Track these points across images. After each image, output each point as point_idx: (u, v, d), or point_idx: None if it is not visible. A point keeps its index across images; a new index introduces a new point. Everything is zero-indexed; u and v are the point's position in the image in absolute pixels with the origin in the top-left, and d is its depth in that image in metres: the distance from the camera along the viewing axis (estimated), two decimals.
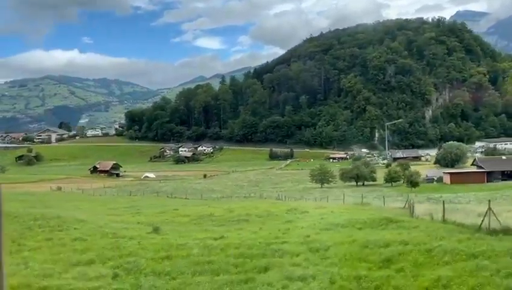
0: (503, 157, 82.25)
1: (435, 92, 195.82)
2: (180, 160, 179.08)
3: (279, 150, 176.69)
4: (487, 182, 71.59)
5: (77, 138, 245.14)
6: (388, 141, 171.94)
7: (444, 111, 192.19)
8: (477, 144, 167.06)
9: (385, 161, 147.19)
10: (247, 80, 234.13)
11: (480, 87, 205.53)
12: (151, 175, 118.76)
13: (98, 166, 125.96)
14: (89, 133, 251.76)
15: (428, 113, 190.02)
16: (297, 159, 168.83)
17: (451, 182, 71.59)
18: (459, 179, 71.94)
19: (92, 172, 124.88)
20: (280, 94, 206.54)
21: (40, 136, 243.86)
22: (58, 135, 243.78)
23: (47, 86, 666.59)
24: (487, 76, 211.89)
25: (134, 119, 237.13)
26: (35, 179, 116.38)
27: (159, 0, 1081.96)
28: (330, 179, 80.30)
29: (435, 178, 76.50)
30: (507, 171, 72.37)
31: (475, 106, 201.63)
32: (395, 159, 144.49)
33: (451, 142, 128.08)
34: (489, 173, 72.42)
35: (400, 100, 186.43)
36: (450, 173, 74.52)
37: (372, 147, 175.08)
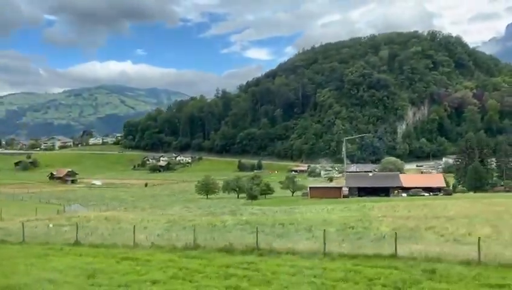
0: (370, 174, 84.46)
1: (410, 106, 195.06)
2: (155, 169, 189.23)
3: (247, 161, 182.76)
4: (344, 197, 75.00)
5: (79, 145, 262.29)
6: (353, 155, 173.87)
7: (418, 126, 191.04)
8: (444, 159, 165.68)
9: (340, 175, 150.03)
10: (239, 93, 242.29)
11: (464, 102, 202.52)
12: (98, 182, 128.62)
13: (54, 173, 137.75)
14: (91, 141, 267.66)
15: (401, 128, 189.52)
16: (262, 171, 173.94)
17: (311, 196, 75.63)
18: (318, 193, 75.73)
19: (50, 178, 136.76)
20: (261, 107, 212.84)
21: (46, 143, 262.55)
22: (62, 142, 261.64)
23: (100, 95, 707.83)
24: (474, 91, 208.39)
25: (130, 129, 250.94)
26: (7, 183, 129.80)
27: (208, 12, 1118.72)
28: (215, 190, 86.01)
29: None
30: (365, 187, 75.41)
31: (457, 121, 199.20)
32: (347, 172, 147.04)
33: (389, 157, 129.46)
34: (349, 189, 75.82)
35: (372, 115, 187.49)
36: (310, 187, 78.39)
37: (339, 161, 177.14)
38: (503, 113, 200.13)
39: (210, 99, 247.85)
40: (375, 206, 52.71)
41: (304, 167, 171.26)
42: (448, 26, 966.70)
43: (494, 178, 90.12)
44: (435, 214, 36.79)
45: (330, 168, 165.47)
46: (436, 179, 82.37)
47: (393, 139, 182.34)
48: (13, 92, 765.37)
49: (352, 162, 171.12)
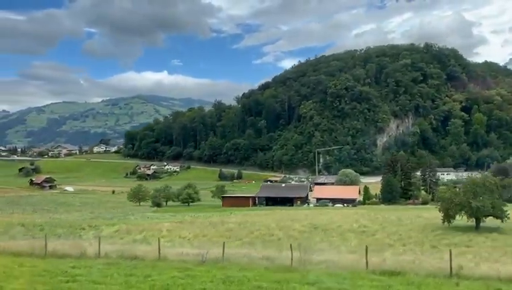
0: (283, 185, 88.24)
1: (393, 119, 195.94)
2: (142, 177, 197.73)
3: (229, 171, 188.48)
4: (253, 205, 79.76)
5: (84, 153, 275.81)
6: (329, 166, 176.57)
7: (399, 139, 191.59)
8: (418, 173, 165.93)
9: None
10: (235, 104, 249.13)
11: (450, 115, 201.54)
12: (70, 189, 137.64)
13: (34, 179, 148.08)
14: (95, 149, 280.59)
15: (382, 140, 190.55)
16: (238, 181, 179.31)
17: (223, 205, 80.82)
18: (229, 202, 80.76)
19: (30, 184, 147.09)
20: (249, 118, 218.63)
21: (53, 151, 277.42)
22: (67, 150, 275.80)
23: (136, 105, 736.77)
24: (462, 104, 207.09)
25: (131, 138, 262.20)
26: None
27: (242, 23, 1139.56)
28: (147, 198, 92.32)
29: None
30: (272, 197, 79.84)
31: (443, 135, 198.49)
32: (316, 184, 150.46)
33: (345, 170, 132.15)
34: (256, 198, 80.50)
35: (352, 127, 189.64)
36: (223, 197, 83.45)
37: (316, 172, 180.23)
38: (491, 126, 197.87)
39: (207, 110, 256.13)
40: (235, 214, 57.65)
41: (279, 177, 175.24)
42: (488, 35, 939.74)
43: (415, 192, 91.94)
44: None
45: (304, 179, 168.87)
46: (351, 191, 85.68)
47: (372, 151, 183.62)
48: (55, 101, 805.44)
49: (329, 173, 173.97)
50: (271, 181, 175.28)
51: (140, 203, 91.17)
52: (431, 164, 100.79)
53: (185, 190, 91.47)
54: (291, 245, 17.30)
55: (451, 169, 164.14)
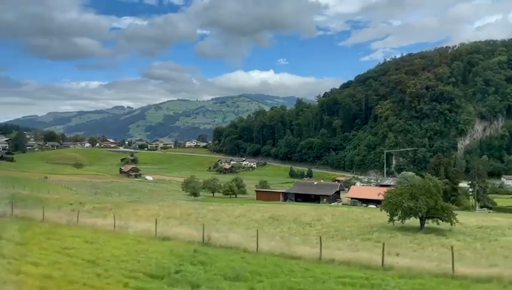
0: (315, 183, 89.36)
1: (478, 120, 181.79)
2: (221, 171, 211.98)
3: (297, 168, 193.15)
4: (284, 200, 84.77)
5: (177, 147, 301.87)
6: (402, 168, 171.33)
7: (485, 142, 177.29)
8: (503, 179, 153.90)
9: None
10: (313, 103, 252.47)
11: None
12: (150, 178, 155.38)
13: (122, 168, 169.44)
14: (187, 144, 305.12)
15: (463, 143, 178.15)
16: (308, 179, 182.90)
17: (257, 198, 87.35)
18: (262, 196, 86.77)
19: (120, 172, 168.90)
20: (325, 117, 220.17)
21: (151, 144, 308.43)
22: (164, 144, 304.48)
23: (242, 103, 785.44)
24: None
25: (218, 134, 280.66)
26: (85, 173, 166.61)
27: (349, 20, 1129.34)
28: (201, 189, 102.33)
29: None
30: (301, 193, 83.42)
31: None
32: (381, 185, 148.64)
33: (405, 172, 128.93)
34: (286, 194, 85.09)
35: (429, 128, 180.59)
36: (257, 191, 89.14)
37: (388, 174, 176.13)
38: None
39: (289, 109, 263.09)
40: (246, 206, 63.74)
41: (348, 177, 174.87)
42: None
43: (458, 197, 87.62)
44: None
45: (372, 180, 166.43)
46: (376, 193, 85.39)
47: (450, 155, 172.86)
48: (171, 99, 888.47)
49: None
50: (338, 181, 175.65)
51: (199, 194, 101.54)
52: (478, 169, 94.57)
53: (231, 183, 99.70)
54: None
55: None
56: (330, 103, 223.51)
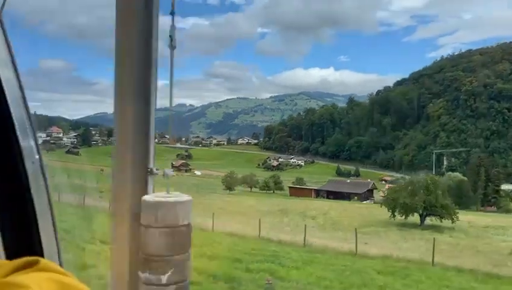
0: (348, 181, 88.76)
1: None
2: (268, 167, 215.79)
3: (344, 167, 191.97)
4: (316, 197, 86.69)
5: (230, 144, 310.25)
6: (453, 169, 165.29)
7: None
8: None
9: None
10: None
11: None
12: (198, 173, 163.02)
13: (174, 163, 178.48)
14: (239, 141, 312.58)
15: None
16: (355, 178, 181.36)
17: (290, 194, 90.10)
18: (295, 192, 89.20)
19: (171, 167, 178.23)
20: (375, 116, 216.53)
21: (206, 141, 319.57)
22: (217, 141, 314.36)
23: (300, 101, 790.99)
24: None
25: (269, 132, 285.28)
26: None
27: (414, 15, 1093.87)
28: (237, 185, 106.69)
29: None
30: (332, 191, 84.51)
31: None
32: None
33: (451, 173, 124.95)
34: (318, 191, 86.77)
35: (486, 128, 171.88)
36: (290, 187, 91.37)
37: (438, 175, 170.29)
38: None
39: (339, 107, 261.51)
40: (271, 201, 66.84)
41: (394, 177, 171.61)
42: None
43: (498, 199, 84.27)
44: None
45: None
46: None
47: (507, 156, 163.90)
48: (230, 97, 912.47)
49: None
50: (385, 181, 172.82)
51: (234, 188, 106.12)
52: None
53: (268, 179, 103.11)
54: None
55: None
56: (381, 101, 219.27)
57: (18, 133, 1.21)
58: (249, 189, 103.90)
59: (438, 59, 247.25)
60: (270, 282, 12.09)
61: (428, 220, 40.82)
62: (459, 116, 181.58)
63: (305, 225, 29.62)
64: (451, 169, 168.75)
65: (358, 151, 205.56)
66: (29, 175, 1.27)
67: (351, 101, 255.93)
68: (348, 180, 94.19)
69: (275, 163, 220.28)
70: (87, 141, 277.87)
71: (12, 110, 1.17)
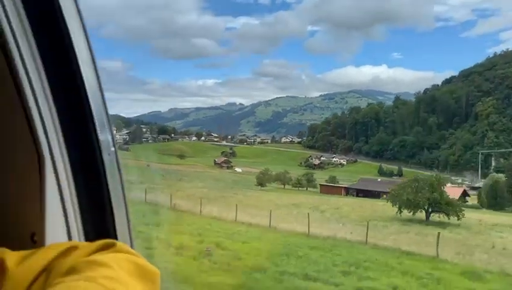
0: (378, 179, 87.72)
1: None
2: (310, 166, 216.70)
3: (387, 167, 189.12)
4: (346, 195, 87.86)
5: (273, 143, 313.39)
6: (502, 170, 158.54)
7: None
8: None
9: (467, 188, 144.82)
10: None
11: None
12: (239, 170, 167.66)
13: (216, 160, 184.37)
14: (283, 140, 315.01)
15: None
16: (398, 178, 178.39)
17: (320, 191, 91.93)
18: (326, 190, 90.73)
19: (214, 164, 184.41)
20: (421, 115, 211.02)
21: (251, 139, 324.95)
22: (261, 139, 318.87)
23: (351, 99, 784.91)
24: None
25: (313, 130, 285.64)
26: (185, 163, 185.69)
27: (475, 8, 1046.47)
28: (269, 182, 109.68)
29: None
30: (360, 189, 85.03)
31: None
32: (473, 188, 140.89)
33: (494, 174, 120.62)
34: (348, 189, 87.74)
35: None
36: (321, 185, 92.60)
37: (486, 176, 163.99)
38: None
39: (385, 106, 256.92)
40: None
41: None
42: None
43: None
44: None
45: (467, 181, 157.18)
46: (452, 192, 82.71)
47: None
48: (279, 96, 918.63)
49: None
50: None
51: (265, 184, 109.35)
52: None
53: (301, 177, 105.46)
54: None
55: None
56: (428, 99, 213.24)
57: (97, 127, 1.34)
58: (282, 186, 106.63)
59: (491, 56, 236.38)
60: (209, 250, 15.05)
61: (436, 217, 41.79)
62: (510, 115, 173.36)
63: (308, 214, 32.07)
64: (500, 170, 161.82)
65: (403, 151, 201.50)
66: (106, 166, 1.39)
67: (397, 99, 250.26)
68: (379, 179, 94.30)
69: (317, 162, 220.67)
70: (137, 138, 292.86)
71: (92, 106, 1.30)
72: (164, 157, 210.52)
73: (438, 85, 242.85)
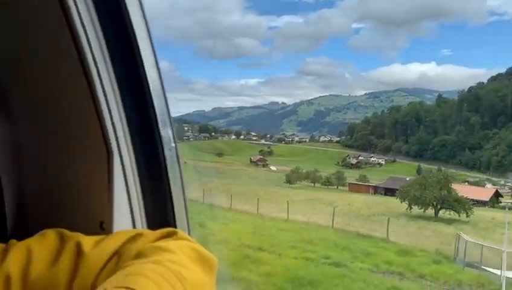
0: (407, 178, 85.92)
1: None
2: (347, 165, 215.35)
3: (425, 167, 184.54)
4: (374, 193, 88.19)
5: (311, 142, 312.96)
6: None
7: None
8: None
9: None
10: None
11: None
12: (274, 168, 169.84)
13: (252, 158, 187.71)
14: (321, 139, 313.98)
15: None
16: None
17: (349, 190, 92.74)
18: (354, 188, 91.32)
19: (250, 162, 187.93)
20: (462, 114, 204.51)
21: (288, 138, 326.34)
22: (299, 138, 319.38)
23: (397, 98, 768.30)
24: None
25: (352, 129, 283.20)
26: (222, 161, 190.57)
27: None
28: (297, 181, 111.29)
29: None
30: (387, 188, 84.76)
31: None
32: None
33: None
34: (376, 187, 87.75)
35: None
36: (349, 183, 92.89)
37: None
38: None
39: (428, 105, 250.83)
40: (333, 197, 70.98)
41: (477, 179, 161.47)
42: None
43: None
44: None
45: (503, 183, 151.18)
46: (483, 193, 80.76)
47: None
48: (322, 95, 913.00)
49: None
50: (468, 182, 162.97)
51: (295, 182, 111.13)
52: None
53: (331, 175, 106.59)
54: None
55: None
56: (471, 98, 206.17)
57: (160, 125, 1.36)
58: (312, 184, 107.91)
59: None
60: None
61: (446, 214, 42.38)
62: None
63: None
64: None
65: (443, 151, 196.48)
66: (167, 160, 1.37)
67: (439, 97, 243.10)
68: (408, 178, 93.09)
69: (354, 161, 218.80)
70: (179, 137, 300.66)
71: (156, 104, 1.35)
72: (203, 155, 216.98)
73: (483, 83, 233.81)
